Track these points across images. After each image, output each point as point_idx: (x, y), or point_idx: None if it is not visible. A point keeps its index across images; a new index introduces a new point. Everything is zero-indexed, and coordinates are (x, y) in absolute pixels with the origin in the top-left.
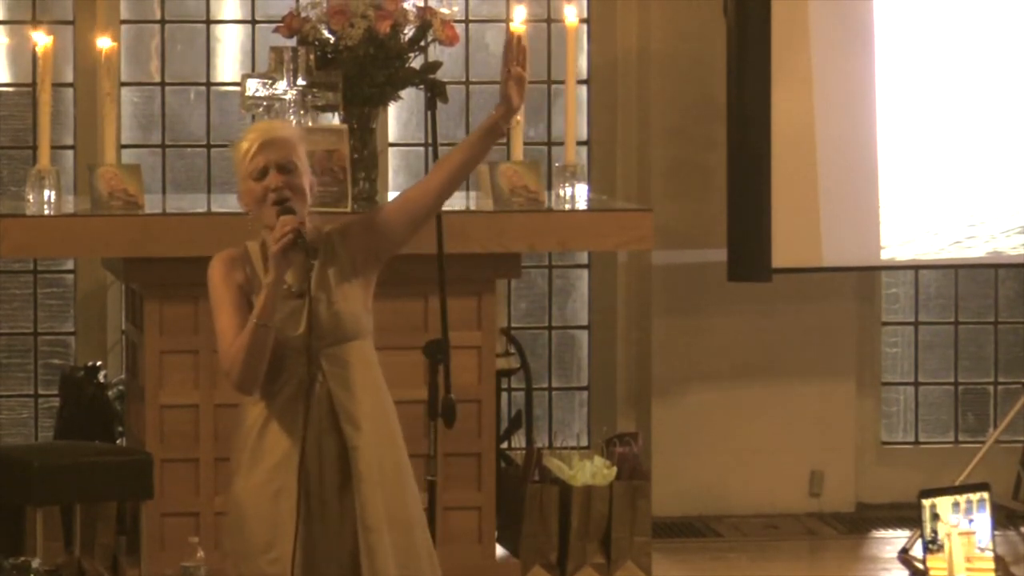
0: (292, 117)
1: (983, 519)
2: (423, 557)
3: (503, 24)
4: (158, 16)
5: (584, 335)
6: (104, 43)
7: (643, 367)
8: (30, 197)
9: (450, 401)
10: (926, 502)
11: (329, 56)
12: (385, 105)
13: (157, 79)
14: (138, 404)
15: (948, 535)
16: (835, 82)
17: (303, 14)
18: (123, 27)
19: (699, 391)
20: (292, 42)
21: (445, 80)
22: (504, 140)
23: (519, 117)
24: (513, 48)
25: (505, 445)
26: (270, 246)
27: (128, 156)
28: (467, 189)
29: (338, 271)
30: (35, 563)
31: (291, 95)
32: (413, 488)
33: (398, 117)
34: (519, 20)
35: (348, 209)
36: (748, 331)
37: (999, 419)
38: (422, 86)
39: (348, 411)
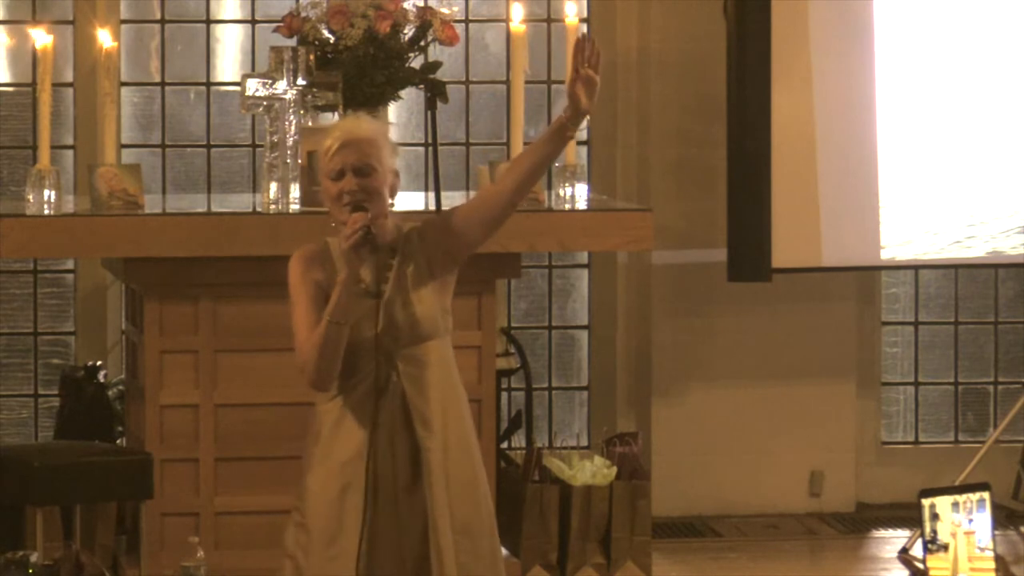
0: (292, 117)
1: (983, 519)
2: (487, 564)
3: (503, 24)
4: (158, 16)
5: (584, 335)
6: (105, 38)
7: (643, 367)
8: (30, 197)
9: None
10: (926, 502)
11: (329, 56)
12: (385, 105)
13: (157, 79)
14: (138, 404)
15: (954, 534)
16: (835, 82)
17: (303, 14)
18: (123, 27)
19: (699, 391)
20: (292, 42)
21: (445, 80)
22: (504, 140)
23: (588, 117)
24: (584, 49)
25: (505, 445)
26: (340, 241)
27: (128, 156)
28: (467, 188)
29: (415, 271)
30: (34, 557)
31: (291, 95)
32: (485, 492)
33: (398, 117)
34: (517, 20)
35: None
36: (748, 331)
37: (999, 419)
38: (422, 86)
39: (420, 411)
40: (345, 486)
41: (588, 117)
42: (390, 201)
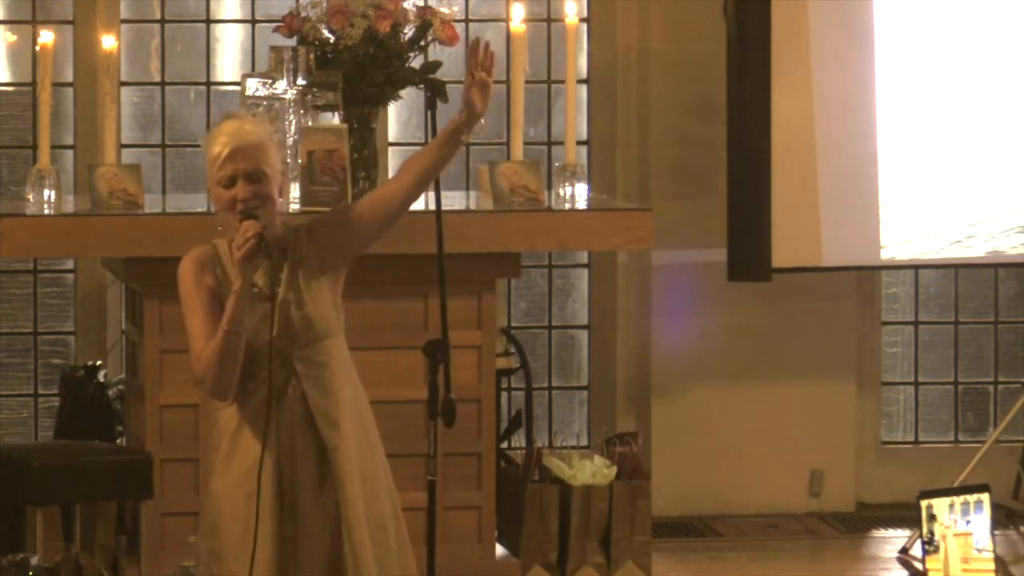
0: (292, 117)
1: (981, 520)
2: (395, 554)
3: (503, 24)
4: (158, 16)
5: (584, 335)
6: (109, 42)
7: (643, 367)
8: (30, 197)
9: (450, 401)
10: (924, 503)
11: (329, 56)
12: (385, 105)
13: (157, 79)
14: (138, 404)
15: (943, 536)
16: (835, 82)
17: (303, 14)
18: (123, 27)
19: (699, 391)
20: (292, 42)
21: (445, 80)
22: (504, 140)
23: (483, 121)
24: (479, 53)
25: (505, 445)
26: (233, 251)
27: (128, 156)
28: (467, 188)
29: (307, 271)
30: (34, 560)
31: (291, 95)
32: (389, 484)
33: (398, 117)
34: (517, 20)
35: None
36: (748, 331)
37: (999, 419)
38: (422, 86)
39: (325, 412)
40: (250, 493)
41: (482, 122)
42: (280, 200)
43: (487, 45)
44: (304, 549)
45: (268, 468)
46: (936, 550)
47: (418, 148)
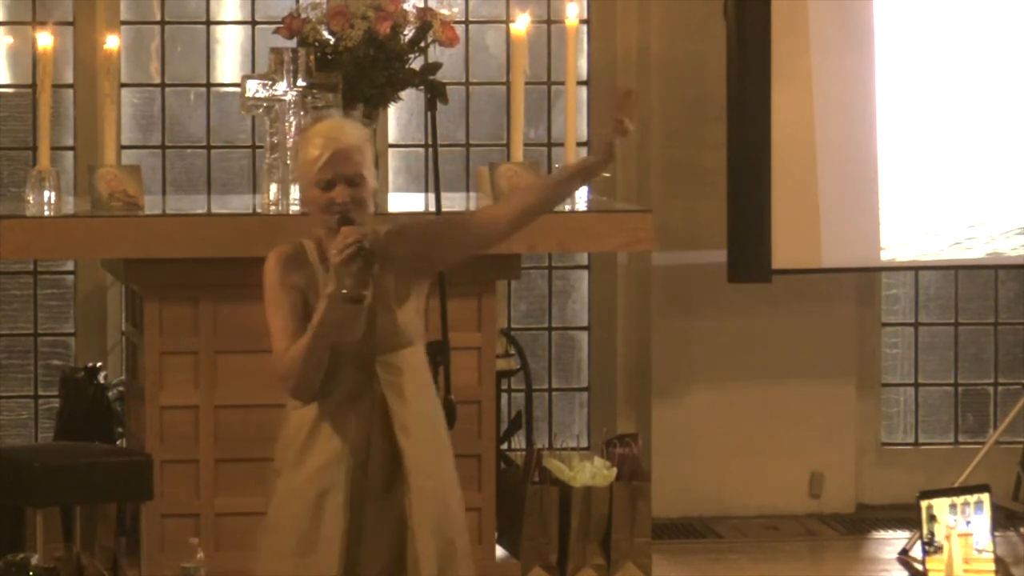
0: (292, 118)
1: (981, 521)
2: (461, 565)
3: (503, 25)
4: (158, 17)
5: (584, 336)
6: (112, 42)
7: (643, 368)
8: (30, 198)
9: (450, 402)
10: (924, 503)
11: (329, 57)
12: (385, 106)
13: (157, 80)
14: (138, 405)
15: (948, 537)
16: (835, 82)
17: (303, 15)
18: (123, 28)
19: (699, 392)
20: (292, 43)
21: (445, 81)
22: (504, 142)
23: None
24: (627, 102)
25: (505, 446)
26: (331, 255)
27: (128, 157)
28: (467, 190)
29: (394, 277)
30: (34, 559)
31: (291, 96)
32: (459, 494)
33: (398, 118)
34: (522, 25)
35: None
36: (748, 332)
37: (999, 420)
38: (422, 87)
39: (400, 417)
40: (323, 491)
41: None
42: (372, 205)
43: (631, 93)
44: (368, 553)
45: (341, 469)
46: (937, 551)
47: (417, 149)
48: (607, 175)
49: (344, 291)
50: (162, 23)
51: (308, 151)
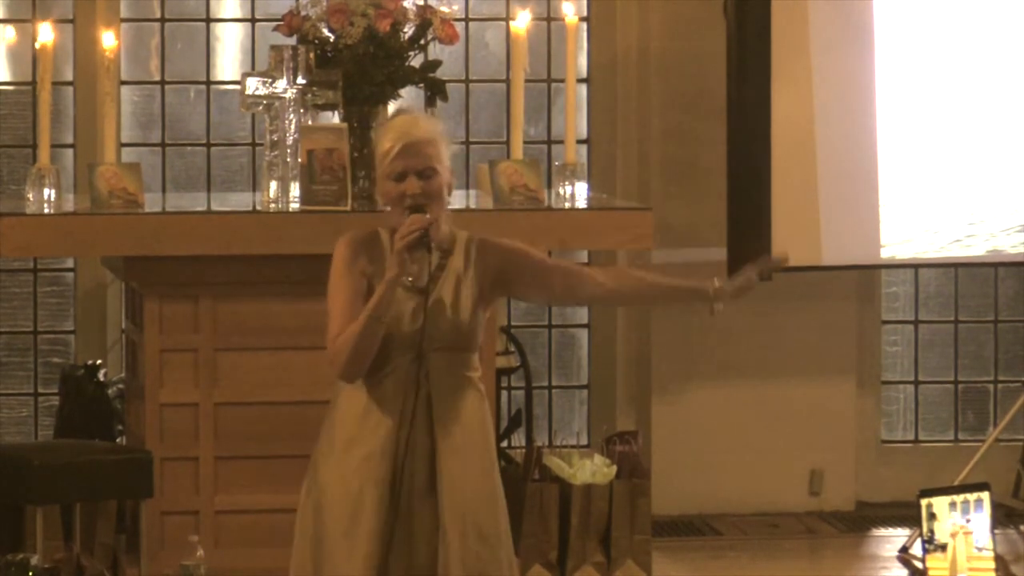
0: (292, 116)
1: (981, 519)
2: (502, 572)
3: (503, 23)
4: (158, 15)
5: (584, 334)
6: (109, 39)
7: (643, 366)
8: (30, 196)
9: None
10: (924, 502)
11: (329, 55)
12: (385, 104)
13: (157, 78)
14: (138, 403)
15: (954, 535)
16: (835, 82)
17: (303, 12)
18: (123, 26)
19: (699, 390)
20: (292, 40)
21: (445, 79)
22: (504, 139)
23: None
24: (773, 269)
25: (505, 444)
26: (395, 240)
27: (128, 155)
28: (467, 187)
29: (468, 280)
30: (34, 559)
31: (291, 93)
32: (501, 503)
33: None
34: (523, 23)
35: (348, 208)
36: (748, 330)
37: (999, 418)
38: (422, 85)
39: (443, 417)
40: (365, 482)
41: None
42: (447, 199)
43: (784, 262)
44: (406, 549)
45: (384, 462)
46: (937, 549)
47: None
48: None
49: (409, 278)
50: (162, 20)
51: (382, 144)
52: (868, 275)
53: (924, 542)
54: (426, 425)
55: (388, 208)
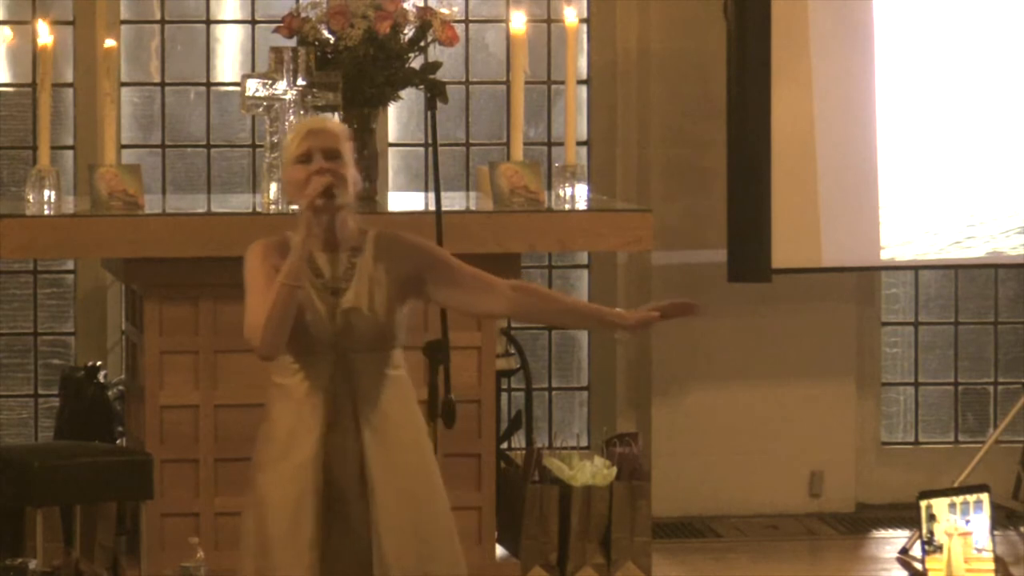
0: (292, 117)
1: (981, 520)
2: (443, 566)
3: (503, 24)
4: (158, 16)
5: (584, 335)
6: (110, 42)
7: (643, 368)
8: (30, 197)
9: (450, 401)
10: (923, 503)
11: (329, 56)
12: (385, 105)
13: (157, 79)
14: (138, 404)
15: (949, 535)
16: (835, 82)
17: (303, 14)
18: (123, 27)
19: (699, 391)
20: (292, 42)
21: (445, 80)
22: (504, 141)
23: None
24: (685, 313)
25: (505, 445)
26: (300, 205)
27: (128, 156)
28: (467, 189)
29: (378, 278)
30: (32, 564)
31: (291, 95)
32: (440, 498)
33: (398, 117)
34: (519, 24)
35: None
36: (748, 332)
37: (999, 419)
38: (422, 86)
39: (370, 416)
40: (303, 491)
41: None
42: (353, 195)
43: (695, 310)
44: (344, 552)
45: (318, 467)
46: (936, 550)
47: (417, 149)
48: (621, 337)
49: (320, 279)
50: (162, 22)
51: (287, 141)
52: (868, 277)
53: (924, 544)
54: (354, 428)
55: (296, 206)
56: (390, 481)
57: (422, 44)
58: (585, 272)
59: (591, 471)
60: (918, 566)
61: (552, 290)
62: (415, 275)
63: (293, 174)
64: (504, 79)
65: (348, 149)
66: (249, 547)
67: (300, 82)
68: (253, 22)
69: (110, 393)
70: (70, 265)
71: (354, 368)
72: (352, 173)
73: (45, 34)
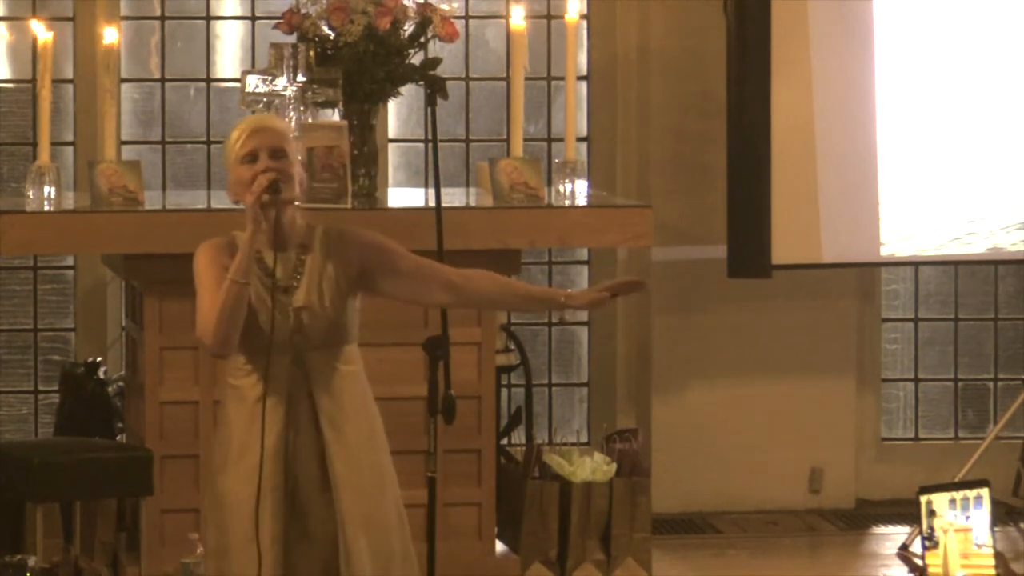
0: (292, 113)
1: (981, 515)
2: (398, 560)
3: (503, 20)
4: (158, 12)
5: (584, 331)
6: (111, 35)
7: (643, 363)
8: (30, 193)
9: (450, 397)
10: (923, 499)
11: (329, 52)
12: (385, 101)
13: (157, 75)
14: (138, 400)
15: (945, 531)
16: (835, 81)
17: (303, 10)
18: (123, 23)
19: (699, 387)
20: (292, 38)
21: (445, 76)
22: (504, 137)
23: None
24: (635, 290)
25: (505, 441)
26: (246, 202)
27: (128, 152)
28: (467, 185)
29: (328, 274)
30: (31, 561)
31: (291, 91)
32: (393, 490)
33: (398, 113)
34: (517, 19)
35: (348, 205)
36: (748, 327)
37: (999, 415)
38: (422, 82)
39: (329, 414)
40: (261, 491)
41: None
42: (297, 194)
43: (642, 285)
44: (307, 549)
45: (276, 466)
46: (936, 546)
47: (417, 144)
48: (569, 316)
49: (271, 279)
50: (162, 18)
51: (231, 137)
52: (868, 273)
53: (924, 539)
54: (312, 425)
55: (241, 204)
56: (351, 476)
57: (422, 40)
58: (585, 268)
59: (591, 467)
60: (918, 562)
61: (502, 276)
62: (364, 269)
63: (239, 173)
64: (504, 75)
65: (293, 147)
66: (210, 549)
67: (300, 78)
68: (253, 18)
69: (110, 389)
70: (70, 261)
71: (307, 365)
72: (298, 171)
73: (42, 32)
